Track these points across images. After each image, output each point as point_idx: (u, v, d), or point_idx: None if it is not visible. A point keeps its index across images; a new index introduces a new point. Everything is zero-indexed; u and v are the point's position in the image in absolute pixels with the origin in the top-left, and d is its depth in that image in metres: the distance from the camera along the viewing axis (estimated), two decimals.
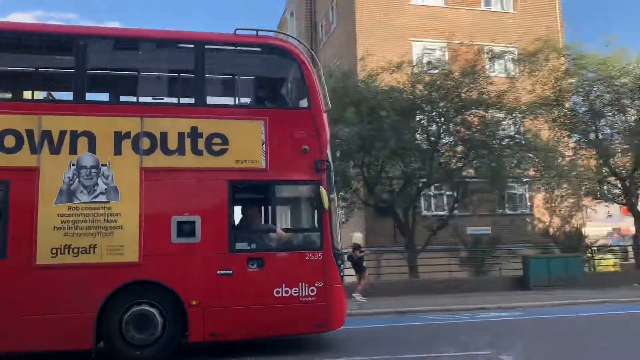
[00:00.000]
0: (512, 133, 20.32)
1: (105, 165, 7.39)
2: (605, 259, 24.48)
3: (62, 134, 7.35)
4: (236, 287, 7.49)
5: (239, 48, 8.60)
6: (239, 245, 7.72)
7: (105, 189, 7.37)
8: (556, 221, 24.83)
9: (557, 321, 11.01)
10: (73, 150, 7.34)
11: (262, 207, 8.59)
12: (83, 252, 7.14)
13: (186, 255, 7.43)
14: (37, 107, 7.75)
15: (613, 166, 21.48)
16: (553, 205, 23.62)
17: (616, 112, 21.39)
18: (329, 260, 7.82)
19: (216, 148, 7.73)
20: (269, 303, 7.50)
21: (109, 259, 7.18)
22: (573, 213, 24.95)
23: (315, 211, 8.04)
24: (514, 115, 19.91)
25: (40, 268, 7.01)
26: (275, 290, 7.53)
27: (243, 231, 8.12)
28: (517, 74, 21.23)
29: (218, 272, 7.44)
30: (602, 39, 20.83)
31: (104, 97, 8.99)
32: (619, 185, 21.77)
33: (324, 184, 7.89)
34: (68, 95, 8.13)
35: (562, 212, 24.72)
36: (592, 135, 21.57)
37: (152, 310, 7.23)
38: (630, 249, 24.40)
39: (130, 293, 7.23)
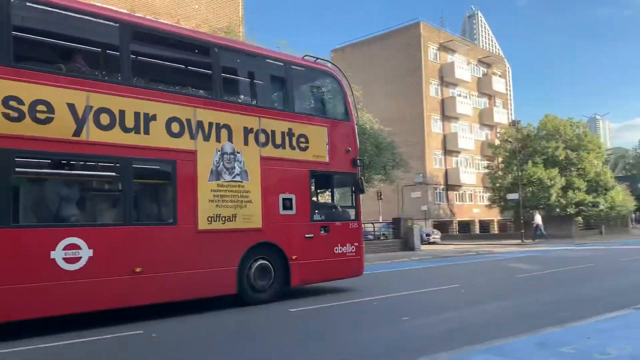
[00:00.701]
0: None
1: (239, 152, 9.87)
2: None
3: (210, 125, 9.51)
4: (315, 246, 10.82)
5: (309, 70, 11.89)
6: (315, 217, 11.05)
7: (240, 171, 9.86)
8: None
9: None
10: (217, 139, 9.60)
11: (327, 191, 12.42)
12: (228, 220, 9.56)
13: (287, 224, 10.46)
14: (192, 101, 9.58)
15: None
16: None
17: None
18: (360, 228, 11.97)
19: (302, 145, 10.86)
20: (331, 257, 11.08)
21: (244, 225, 9.77)
22: None
23: (354, 194, 11.90)
24: None
25: (200, 232, 9.19)
26: (334, 249, 11.16)
27: (317, 207, 11.40)
28: None
29: (305, 235, 10.71)
30: (276, 41, 22.58)
31: (233, 98, 11.00)
32: None
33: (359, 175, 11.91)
34: (209, 94, 10.14)
35: None
36: None
37: (269, 263, 10.10)
38: None
39: (255, 251, 9.92)
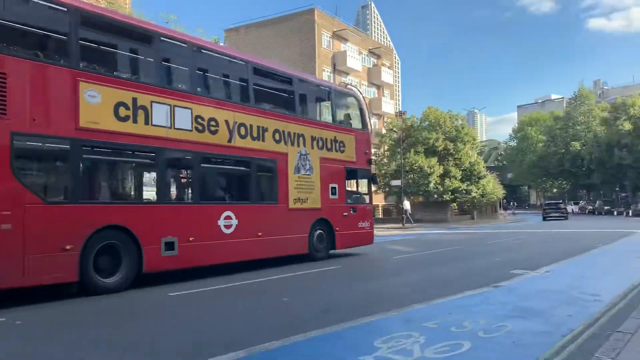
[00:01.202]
0: None
1: (308, 154, 14.14)
2: None
3: (294, 135, 13.76)
4: (348, 222, 15.33)
5: (343, 93, 17.37)
6: (348, 201, 15.61)
7: (309, 167, 14.13)
8: None
9: None
10: (298, 144, 13.84)
11: (353, 182, 16.71)
12: (304, 201, 13.89)
13: (333, 205, 14.86)
14: (285, 118, 13.80)
15: None
16: None
17: None
18: (371, 209, 16.80)
19: (341, 149, 15.49)
20: (357, 230, 15.74)
21: (311, 206, 14.15)
22: None
23: (369, 185, 16.91)
24: None
25: (291, 210, 13.52)
26: (359, 224, 15.81)
27: (349, 193, 15.92)
28: None
29: (343, 214, 15.23)
30: (164, 15, 21.71)
31: (305, 116, 15.19)
32: None
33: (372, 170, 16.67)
34: (292, 113, 14.34)
35: None
36: None
37: (323, 232, 14.57)
38: None
39: (316, 224, 14.29)
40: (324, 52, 48.63)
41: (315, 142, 14.50)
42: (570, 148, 70.53)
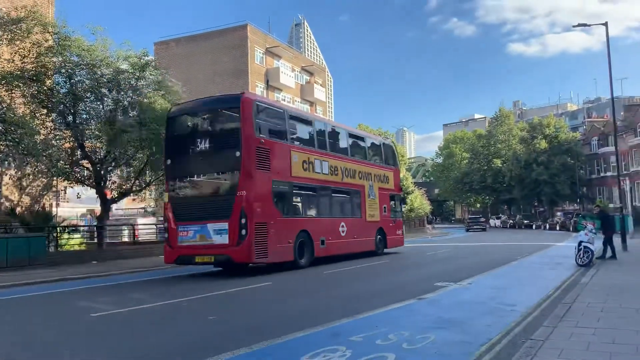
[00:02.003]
0: None
1: (372, 185, 21.35)
2: (72, 238, 25.70)
3: (366, 173, 21.10)
4: (392, 230, 22.96)
5: (387, 144, 25.32)
6: (392, 216, 23.18)
7: (373, 194, 21.34)
8: (26, 200, 25.24)
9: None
10: (367, 179, 21.13)
11: (393, 203, 23.48)
12: (372, 216, 21.08)
13: (385, 219, 22.23)
14: (362, 163, 21.23)
15: (87, 150, 22.62)
16: (22, 183, 23.54)
17: (95, 99, 22.37)
18: (402, 222, 25.43)
19: (388, 181, 23.13)
20: (396, 236, 23.59)
21: (375, 219, 21.32)
22: (44, 192, 25.94)
23: (400, 204, 25.20)
24: None
25: (366, 222, 20.72)
26: (397, 232, 23.66)
27: (392, 211, 23.16)
28: None
29: (390, 224, 22.83)
30: (90, 26, 21.75)
31: (371, 160, 22.78)
32: (91, 168, 23.03)
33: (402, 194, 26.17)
34: (364, 159, 22.02)
35: (32, 191, 25.16)
36: (69, 118, 22.20)
37: (381, 237, 21.90)
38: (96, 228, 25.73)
39: (377, 231, 21.55)
40: (257, 68, 48.65)
41: (375, 177, 22.07)
42: (492, 165, 74.11)
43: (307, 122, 19.27)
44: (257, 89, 48.21)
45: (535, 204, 71.37)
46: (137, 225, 31.67)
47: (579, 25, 23.59)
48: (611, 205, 47.87)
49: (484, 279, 13.09)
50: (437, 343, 6.39)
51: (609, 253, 17.01)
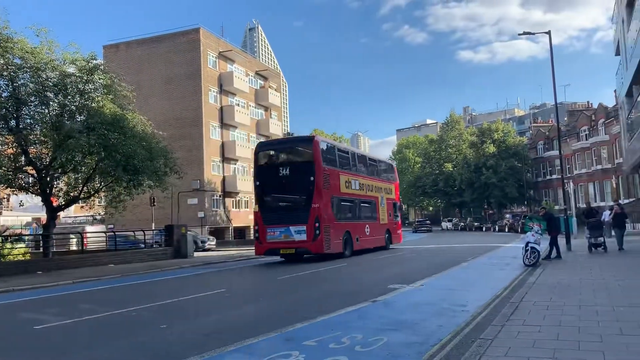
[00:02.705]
0: None
1: (382, 196, 28.19)
2: (16, 248, 25.16)
3: (377, 187, 27.91)
4: (394, 229, 29.87)
5: (389, 163, 34.14)
6: (394, 219, 30.23)
7: (383, 203, 28.20)
8: None
9: None
10: (379, 192, 28.02)
11: (395, 209, 30.53)
12: (382, 220, 27.82)
13: (390, 222, 29.16)
14: (376, 180, 28.23)
15: (31, 156, 22.00)
16: None
17: (39, 103, 21.66)
18: (400, 223, 31.85)
19: (391, 192, 30.19)
20: (397, 234, 30.44)
21: (384, 222, 28.17)
22: None
23: (399, 210, 32.11)
24: None
25: (380, 224, 27.54)
26: (397, 231, 30.44)
27: (394, 215, 30.32)
28: None
29: (393, 225, 29.70)
30: (34, 28, 21.07)
31: (381, 177, 29.74)
32: (36, 175, 22.46)
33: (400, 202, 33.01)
34: (376, 176, 28.95)
35: None
36: (12, 122, 21.40)
37: (388, 235, 28.59)
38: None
39: (386, 231, 28.25)
40: (210, 72, 48.10)
41: (384, 190, 28.77)
42: (444, 169, 75.70)
43: (346, 152, 26.16)
44: (210, 94, 47.69)
45: (485, 206, 73.36)
46: (86, 233, 30.67)
47: (525, 33, 24.45)
48: (556, 207, 49.77)
49: (436, 281, 13.34)
50: (390, 345, 6.46)
51: (554, 253, 17.66)
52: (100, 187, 24.98)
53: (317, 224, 20.50)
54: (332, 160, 22.82)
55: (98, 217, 34.87)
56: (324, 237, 20.67)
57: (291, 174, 21.41)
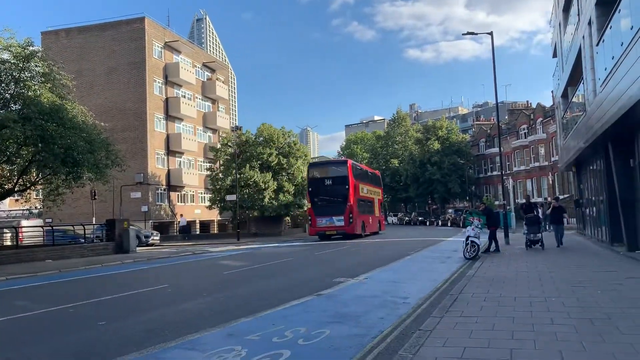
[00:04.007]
0: None
1: (374, 197, 39.98)
2: None
3: (373, 191, 39.99)
4: (382, 220, 43.93)
5: (377, 175, 46.65)
6: (380, 213, 42.56)
7: (376, 201, 40.90)
8: None
9: None
10: (374, 194, 40.71)
11: (380, 206, 43.86)
12: (376, 213, 40.68)
13: (379, 214, 42.49)
14: (370, 185, 39.22)
15: None
16: None
17: None
18: (382, 216, 45.97)
19: (379, 194, 42.94)
20: (383, 223, 44.39)
21: (377, 215, 40.91)
22: None
23: (381, 206, 44.97)
24: None
25: (375, 216, 40.07)
26: (381, 222, 43.13)
27: (381, 210, 44.24)
28: None
29: (381, 218, 43.69)
30: None
31: (371, 182, 40.91)
32: None
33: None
34: (368, 182, 39.66)
35: None
36: None
37: (378, 224, 41.64)
38: None
39: (378, 222, 41.15)
40: (155, 63, 46.85)
41: (376, 193, 39.72)
42: (390, 165, 77.05)
43: (361, 169, 38.97)
44: (155, 85, 46.50)
45: (429, 201, 75.16)
46: (21, 227, 29.27)
47: (468, 33, 25.14)
48: (496, 203, 51.61)
49: (379, 274, 13.57)
50: (332, 337, 6.53)
51: (493, 247, 18.32)
52: (37, 179, 23.89)
53: (350, 215, 32.46)
54: (355, 175, 34.59)
55: (35, 211, 33.44)
56: (354, 223, 32.62)
57: (333, 184, 33.65)
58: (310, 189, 34.38)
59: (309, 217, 34.49)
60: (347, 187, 32.56)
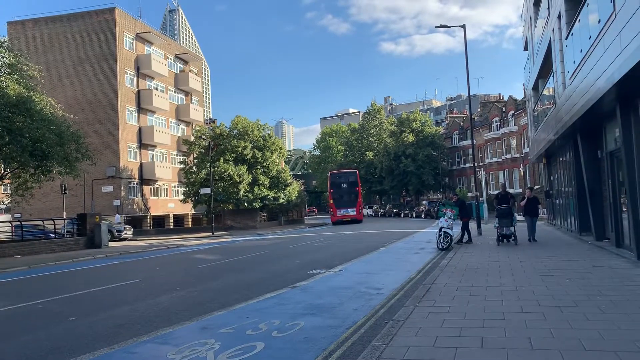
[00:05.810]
0: None
1: (358, 191, 50.73)
2: None
3: (358, 187, 52.15)
4: (361, 209, 53.07)
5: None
6: (359, 202, 50.94)
7: (359, 195, 51.99)
8: None
9: None
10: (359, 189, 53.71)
11: (360, 198, 52.49)
12: (360, 204, 51.80)
13: (361, 205, 55.20)
14: (357, 185, 51.26)
15: None
16: None
17: None
18: (360, 209, 51.39)
19: (357, 189, 50.73)
20: (362, 212, 54.13)
21: (360, 206, 53.61)
22: None
23: (360, 196, 52.40)
24: None
25: (359, 207, 51.34)
26: (361, 211, 51.82)
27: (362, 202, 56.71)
28: None
29: (360, 207, 51.58)
30: None
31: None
32: None
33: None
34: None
35: None
36: None
37: (360, 213, 52.54)
38: None
39: (359, 211, 51.29)
40: (126, 54, 46.01)
41: (357, 190, 49.76)
42: (365, 157, 77.41)
43: (357, 175, 51.56)
44: (127, 77, 45.69)
45: (404, 193, 75.81)
46: None
47: (441, 26, 25.31)
48: (469, 194, 52.36)
49: (353, 266, 13.64)
50: (306, 329, 6.54)
51: (465, 237, 18.58)
52: (5, 173, 23.29)
53: (360, 208, 48.42)
54: (360, 179, 51.10)
55: (2, 206, 32.62)
56: (360, 213, 48.13)
57: (347, 186, 48.49)
58: (332, 190, 48.93)
59: (331, 210, 48.75)
60: (356, 188, 48.60)
